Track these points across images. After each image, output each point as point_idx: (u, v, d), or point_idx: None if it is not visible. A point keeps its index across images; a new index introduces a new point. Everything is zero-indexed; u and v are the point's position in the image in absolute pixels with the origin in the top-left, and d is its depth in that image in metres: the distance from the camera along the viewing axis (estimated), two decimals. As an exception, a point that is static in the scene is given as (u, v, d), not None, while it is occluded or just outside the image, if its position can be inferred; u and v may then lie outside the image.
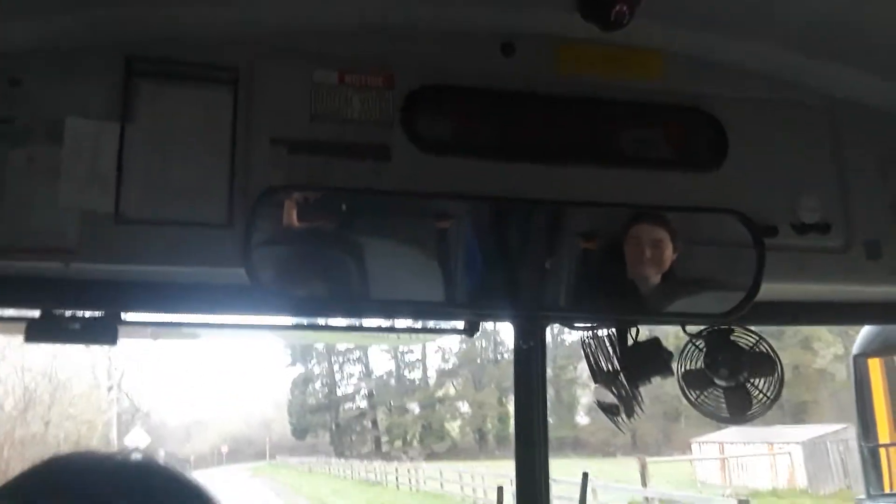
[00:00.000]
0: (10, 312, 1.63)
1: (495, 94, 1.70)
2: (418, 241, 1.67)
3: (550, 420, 1.74)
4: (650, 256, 1.64)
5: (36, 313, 1.57)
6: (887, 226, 1.78)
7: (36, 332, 1.55)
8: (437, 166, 1.65)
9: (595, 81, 1.73)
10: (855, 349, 6.06)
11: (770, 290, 1.63)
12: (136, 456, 0.77)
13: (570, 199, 1.66)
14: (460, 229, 1.68)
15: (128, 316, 1.61)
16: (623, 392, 1.63)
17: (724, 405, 1.64)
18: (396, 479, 28.99)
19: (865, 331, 5.87)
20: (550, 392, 1.79)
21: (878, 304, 1.90)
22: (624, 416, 1.64)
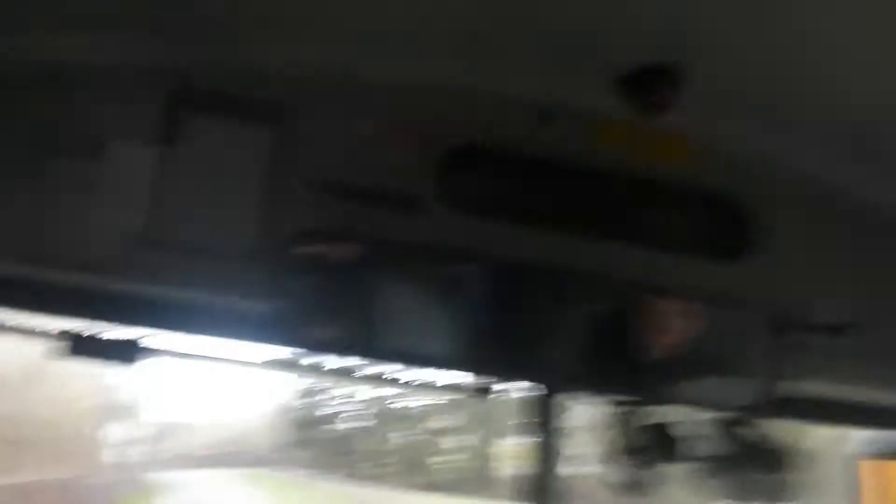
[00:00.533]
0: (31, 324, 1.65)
1: (527, 161, 1.75)
2: (440, 297, 1.69)
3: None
4: (663, 326, 1.65)
5: (63, 327, 1.59)
6: None
7: (63, 347, 1.57)
8: (466, 225, 1.68)
9: (627, 160, 1.77)
10: (851, 449, 5.93)
11: (787, 386, 1.65)
12: None
13: (590, 270, 1.68)
14: (483, 290, 1.70)
15: (148, 341, 1.63)
16: (638, 471, 1.63)
17: (735, 491, 1.65)
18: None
19: (862, 434, 5.79)
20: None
21: None
22: (633, 494, 1.65)
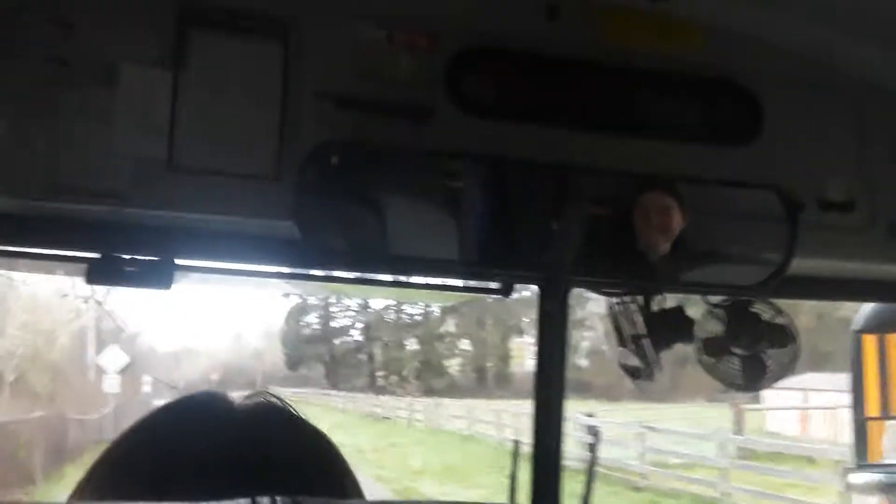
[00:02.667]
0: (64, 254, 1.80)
1: (537, 59, 1.83)
2: (454, 201, 1.83)
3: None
4: (657, 223, 1.79)
5: (93, 255, 1.74)
6: None
7: (95, 274, 1.73)
8: (478, 128, 1.79)
9: (635, 51, 1.84)
10: (854, 325, 6.34)
11: (794, 264, 1.80)
12: (259, 399, 0.90)
13: (602, 166, 1.81)
14: (495, 190, 1.84)
15: (182, 262, 1.78)
16: (645, 356, 1.82)
17: (738, 373, 1.85)
18: (410, 414, 27.22)
19: (865, 308, 6.16)
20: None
21: None
22: (645, 378, 1.85)
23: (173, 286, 1.76)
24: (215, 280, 2.15)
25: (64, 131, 1.66)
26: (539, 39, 1.82)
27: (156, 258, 1.75)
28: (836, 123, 1.93)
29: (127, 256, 1.74)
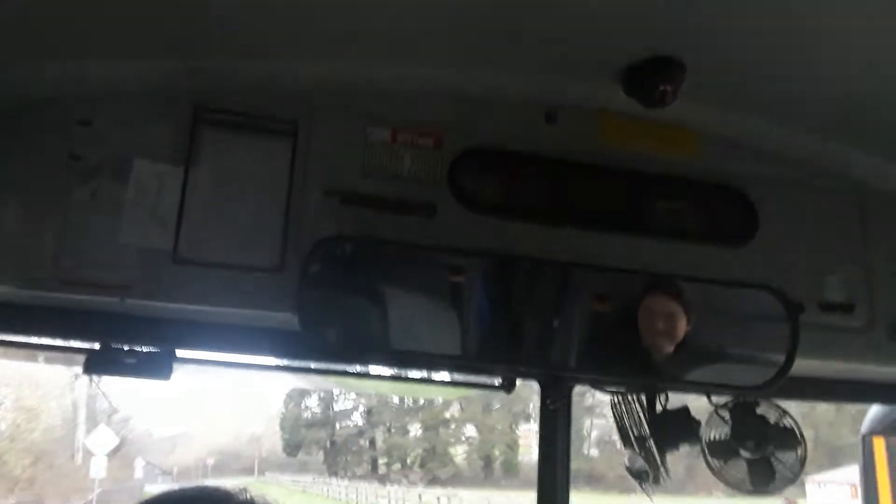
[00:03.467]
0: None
1: (537, 160, 1.93)
2: (456, 296, 1.88)
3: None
4: (662, 328, 1.83)
5: (93, 345, 1.78)
6: None
7: (94, 365, 1.77)
8: (480, 225, 1.86)
9: (633, 154, 1.94)
10: (863, 428, 6.21)
11: (795, 365, 1.82)
12: (259, 499, 0.91)
13: (603, 264, 1.86)
14: (497, 286, 1.88)
15: (182, 353, 1.82)
16: (651, 458, 1.82)
17: (747, 476, 1.83)
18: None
19: (873, 410, 6.06)
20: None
21: None
22: (652, 482, 1.84)
23: (172, 376, 1.79)
24: (215, 370, 2.18)
25: (72, 224, 1.73)
26: (539, 141, 1.92)
27: (156, 349, 1.79)
28: (834, 225, 2.00)
29: (126, 347, 1.78)
